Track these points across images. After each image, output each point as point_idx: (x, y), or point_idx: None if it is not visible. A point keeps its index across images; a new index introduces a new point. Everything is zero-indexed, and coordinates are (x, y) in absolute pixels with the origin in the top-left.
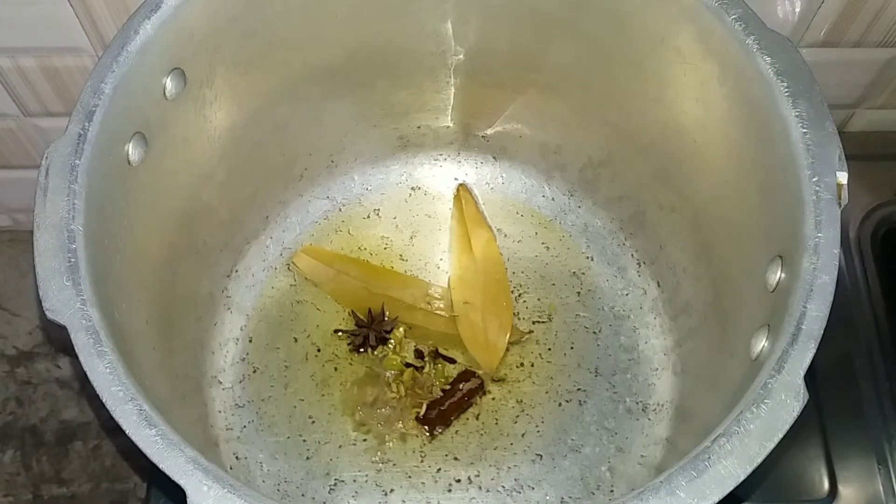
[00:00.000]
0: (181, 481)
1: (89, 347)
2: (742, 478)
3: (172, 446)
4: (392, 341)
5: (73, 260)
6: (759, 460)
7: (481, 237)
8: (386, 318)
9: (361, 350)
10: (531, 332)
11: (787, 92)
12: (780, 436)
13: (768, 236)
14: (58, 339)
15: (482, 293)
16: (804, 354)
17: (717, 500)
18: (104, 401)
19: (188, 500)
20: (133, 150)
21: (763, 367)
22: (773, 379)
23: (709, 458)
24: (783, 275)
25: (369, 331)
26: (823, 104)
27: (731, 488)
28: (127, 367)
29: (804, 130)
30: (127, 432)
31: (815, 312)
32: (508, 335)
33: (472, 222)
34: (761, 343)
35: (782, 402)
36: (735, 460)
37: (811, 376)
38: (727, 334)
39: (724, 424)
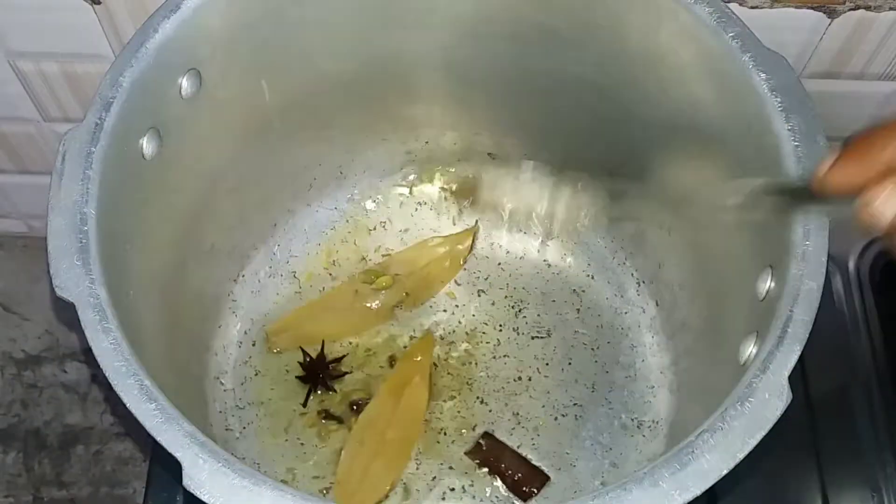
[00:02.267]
0: (178, 454)
1: (95, 324)
2: (724, 472)
3: (171, 420)
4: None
5: (83, 241)
6: (742, 456)
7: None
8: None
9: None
10: None
11: (780, 107)
12: (763, 433)
13: (760, 248)
14: (65, 345)
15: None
16: (789, 356)
17: (698, 492)
18: (107, 375)
19: (184, 472)
20: (147, 145)
21: (749, 368)
22: (757, 379)
23: (692, 451)
24: (773, 284)
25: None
26: (816, 119)
27: (712, 482)
28: (131, 346)
29: (796, 144)
30: (128, 406)
31: (801, 316)
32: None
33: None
34: (749, 349)
35: (766, 400)
36: (718, 455)
37: (807, 405)
38: (721, 349)
39: (709, 421)
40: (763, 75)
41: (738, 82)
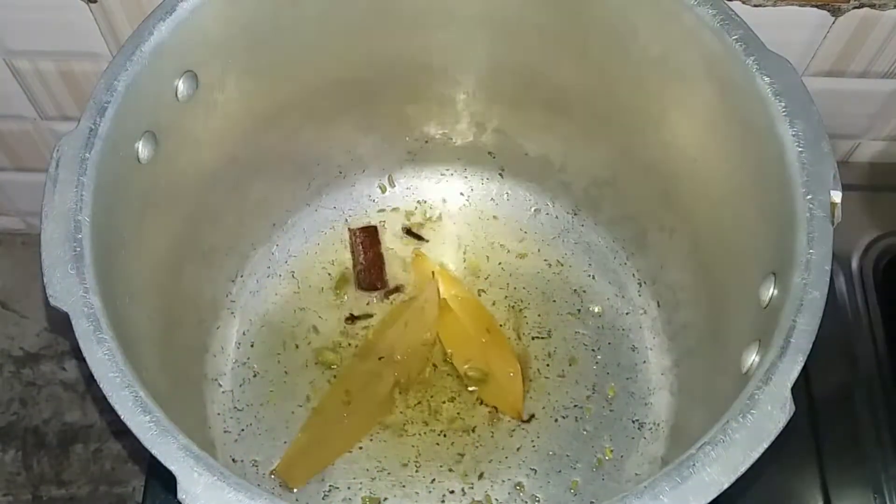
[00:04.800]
0: (172, 467)
1: (89, 334)
2: (726, 486)
3: (165, 433)
4: None
5: (78, 249)
6: (744, 469)
7: (456, 298)
8: None
9: None
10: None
11: (784, 112)
12: (766, 446)
13: (763, 254)
14: (64, 342)
15: (478, 348)
16: (792, 367)
17: None
18: (101, 386)
19: (178, 485)
20: (143, 149)
21: (751, 379)
22: (759, 390)
23: (693, 465)
24: (776, 291)
25: None
26: (820, 124)
27: (714, 496)
28: (126, 356)
29: (800, 150)
30: (122, 417)
31: (804, 326)
32: (520, 374)
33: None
34: (752, 357)
35: (768, 413)
36: (719, 468)
37: (810, 406)
38: (722, 354)
39: (710, 433)
40: (767, 79)
41: (741, 86)
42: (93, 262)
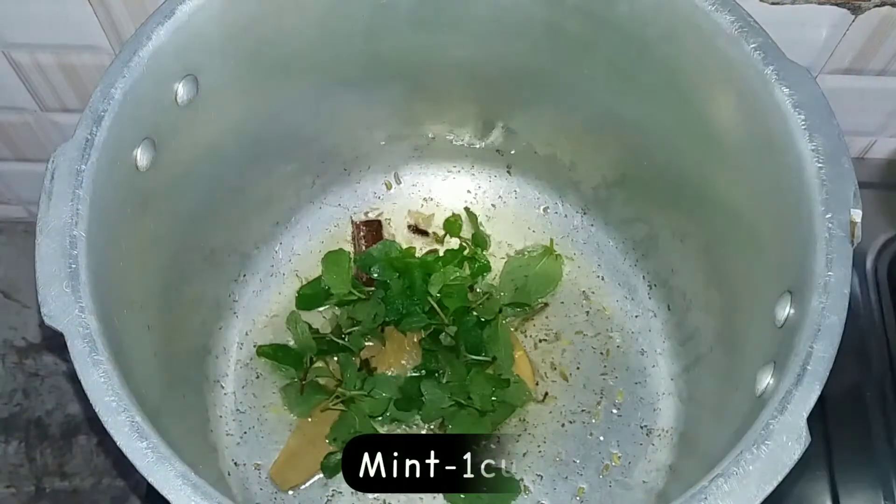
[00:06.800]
0: (170, 496)
1: (85, 356)
2: None
3: (162, 460)
4: None
5: (73, 266)
6: (757, 503)
7: None
8: None
9: None
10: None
11: (803, 125)
12: (780, 479)
13: (778, 271)
14: None
15: None
16: (808, 395)
17: None
18: (97, 410)
19: None
20: (142, 156)
21: (766, 407)
22: (775, 420)
23: (706, 498)
24: (792, 311)
25: None
26: (841, 139)
27: None
28: (123, 376)
29: (819, 165)
30: (118, 443)
31: (821, 353)
32: (525, 355)
33: None
34: (766, 379)
35: (783, 444)
36: (732, 502)
37: (820, 406)
38: (734, 366)
39: (724, 464)
40: (786, 90)
41: (758, 95)
42: (89, 278)
